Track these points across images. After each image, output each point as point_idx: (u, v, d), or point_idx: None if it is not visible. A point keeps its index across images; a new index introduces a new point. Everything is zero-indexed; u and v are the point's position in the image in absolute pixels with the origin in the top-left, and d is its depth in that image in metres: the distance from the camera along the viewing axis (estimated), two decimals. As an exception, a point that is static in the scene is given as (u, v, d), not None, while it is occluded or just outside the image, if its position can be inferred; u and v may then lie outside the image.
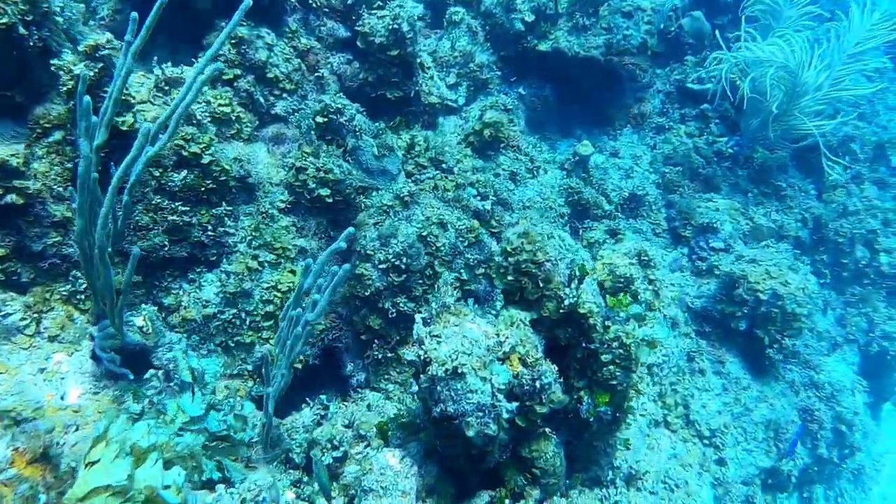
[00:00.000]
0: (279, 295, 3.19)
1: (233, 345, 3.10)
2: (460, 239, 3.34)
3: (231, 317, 3.09)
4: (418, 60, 4.09)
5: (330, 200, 3.37)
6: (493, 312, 3.28)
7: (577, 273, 2.31)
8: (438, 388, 2.13)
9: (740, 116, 5.11)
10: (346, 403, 3.09)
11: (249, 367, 3.17)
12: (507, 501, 2.27)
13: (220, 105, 3.21)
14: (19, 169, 2.63)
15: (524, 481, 2.33)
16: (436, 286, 3.10)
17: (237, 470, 2.04)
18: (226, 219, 3.11)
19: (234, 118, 3.36)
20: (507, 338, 2.23)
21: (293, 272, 3.29)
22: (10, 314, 2.75)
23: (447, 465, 2.40)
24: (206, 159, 2.95)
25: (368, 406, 2.98)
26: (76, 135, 2.50)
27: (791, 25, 4.79)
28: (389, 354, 3.28)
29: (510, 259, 2.38)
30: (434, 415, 2.17)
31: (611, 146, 5.03)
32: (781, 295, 3.83)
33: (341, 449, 2.59)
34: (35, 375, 2.70)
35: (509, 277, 2.41)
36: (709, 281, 4.26)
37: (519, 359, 2.20)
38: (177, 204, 2.93)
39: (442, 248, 3.23)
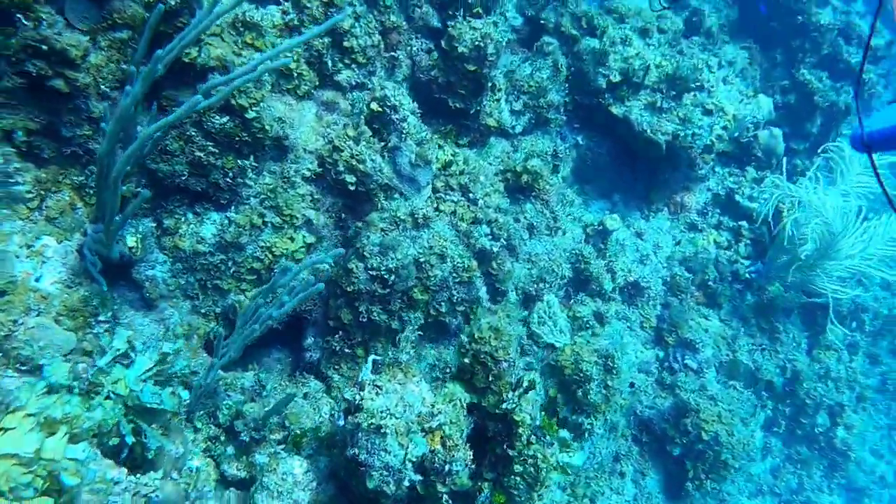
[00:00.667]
0: (270, 257, 3.31)
1: (210, 287, 3.23)
2: (454, 275, 3.42)
3: (218, 261, 3.21)
4: (490, 83, 4.10)
5: (352, 188, 3.44)
6: (445, 362, 3.38)
7: (526, 383, 2.41)
8: (359, 434, 2.26)
9: (772, 246, 5.11)
10: (285, 383, 3.24)
11: (217, 310, 3.31)
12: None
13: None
14: (75, 61, 2.70)
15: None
16: (397, 339, 3.20)
17: (154, 436, 2.19)
18: (248, 171, 3.20)
19: (296, 74, 3.41)
20: (439, 413, 2.35)
21: (292, 239, 3.39)
22: (21, 183, 2.86)
23: (345, 492, 2.55)
24: (250, 114, 3.02)
25: (305, 395, 3.12)
26: (136, 54, 2.56)
27: (853, 191, 4.75)
28: (347, 350, 3.41)
29: (473, 345, 2.48)
30: (346, 453, 2.31)
31: (638, 225, 5.05)
32: (722, 442, 3.94)
33: (261, 433, 2.74)
34: (21, 248, 2.83)
35: (466, 360, 2.51)
36: (666, 397, 4.36)
37: (441, 438, 2.33)
38: (208, 143, 3.01)
39: (432, 279, 3.32)
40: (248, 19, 3.09)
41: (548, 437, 2.54)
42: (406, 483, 2.26)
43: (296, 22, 3.38)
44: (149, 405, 2.10)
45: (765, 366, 5.09)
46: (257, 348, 3.49)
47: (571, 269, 4.37)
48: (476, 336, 2.52)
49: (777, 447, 5.45)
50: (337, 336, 3.44)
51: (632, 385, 4.38)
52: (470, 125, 4.18)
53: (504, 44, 3.96)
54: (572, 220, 4.67)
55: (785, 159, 5.11)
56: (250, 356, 3.42)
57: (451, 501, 2.57)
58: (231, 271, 3.26)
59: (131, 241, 2.94)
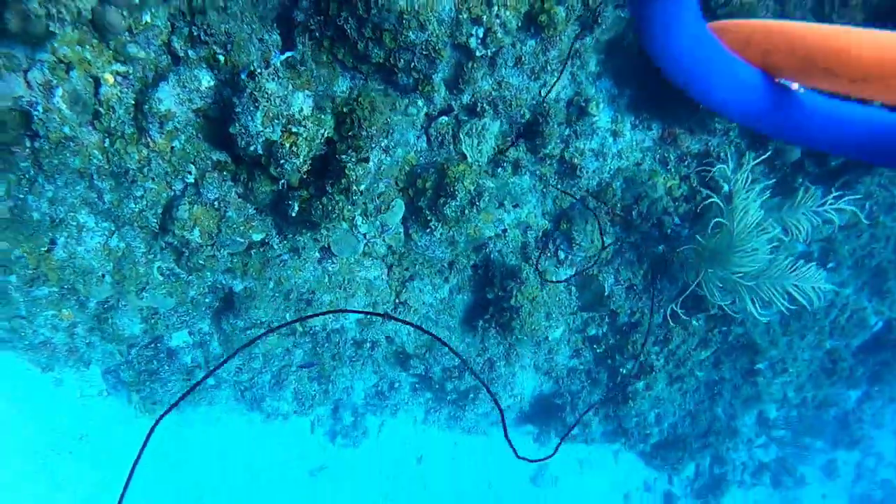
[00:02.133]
0: None
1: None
2: (423, 48, 4.09)
3: None
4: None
5: None
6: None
7: (373, 158, 3.31)
8: (245, 96, 3.20)
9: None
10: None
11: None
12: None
13: None
14: None
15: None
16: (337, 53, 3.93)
17: None
18: None
19: None
20: (302, 124, 3.27)
21: None
22: None
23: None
24: None
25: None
26: None
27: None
28: (317, 34, 4.12)
29: (352, 105, 3.31)
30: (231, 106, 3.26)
31: (622, 128, 5.54)
32: (521, 314, 5.08)
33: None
34: None
35: (344, 109, 3.36)
36: (517, 260, 5.37)
37: (291, 140, 3.28)
38: None
39: (403, 36, 3.98)
40: None
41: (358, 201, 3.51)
42: (251, 148, 3.25)
43: None
44: None
45: (619, 299, 6.02)
46: None
47: (531, 114, 4.98)
48: (357, 99, 3.34)
49: (586, 358, 6.62)
50: (320, 17, 4.12)
51: None
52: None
53: None
54: (570, 78, 5.14)
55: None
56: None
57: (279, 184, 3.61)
58: None
59: None
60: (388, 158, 4.13)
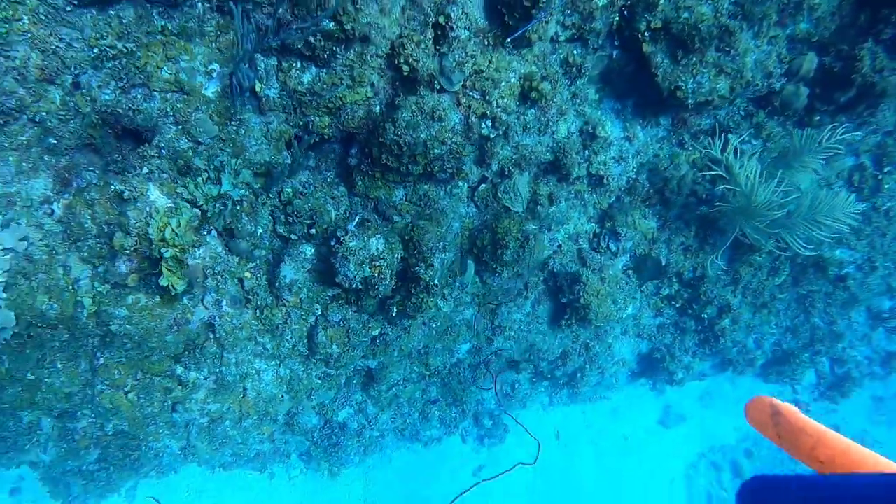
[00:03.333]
0: (340, 103, 5.27)
1: (299, 111, 5.29)
2: (449, 154, 5.36)
3: (307, 98, 5.21)
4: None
5: (406, 74, 5.20)
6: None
7: (436, 264, 4.65)
8: (339, 255, 4.64)
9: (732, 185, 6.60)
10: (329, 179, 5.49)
11: (300, 124, 5.41)
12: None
13: None
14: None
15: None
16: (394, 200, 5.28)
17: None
18: (339, 51, 4.99)
19: (388, -17, 4.91)
20: (381, 257, 4.67)
21: (358, 93, 5.30)
22: (209, 25, 4.80)
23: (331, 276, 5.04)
24: (347, 26, 4.72)
25: (333, 198, 5.42)
26: None
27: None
28: (369, 172, 5.54)
29: (408, 232, 4.65)
30: (332, 263, 4.72)
31: (634, 130, 6.50)
32: (591, 309, 6.22)
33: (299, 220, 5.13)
34: (201, 66, 4.90)
35: (405, 237, 4.72)
36: (576, 265, 6.51)
37: (378, 270, 4.68)
38: (319, 36, 4.79)
39: (431, 153, 5.27)
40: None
41: (436, 291, 4.86)
42: (353, 285, 4.69)
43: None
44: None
45: (679, 262, 7.01)
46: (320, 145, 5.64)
47: (552, 154, 6.10)
48: (412, 228, 4.66)
49: (669, 314, 7.66)
50: (368, 159, 5.54)
51: None
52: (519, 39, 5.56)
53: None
54: (576, 114, 6.20)
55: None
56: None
57: (375, 303, 5.03)
58: (313, 105, 5.27)
59: (258, 86, 4.95)
60: (447, 255, 5.45)
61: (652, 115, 6.51)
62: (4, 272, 4.24)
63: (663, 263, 6.91)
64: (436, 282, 5.09)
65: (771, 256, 7.41)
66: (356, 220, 4.79)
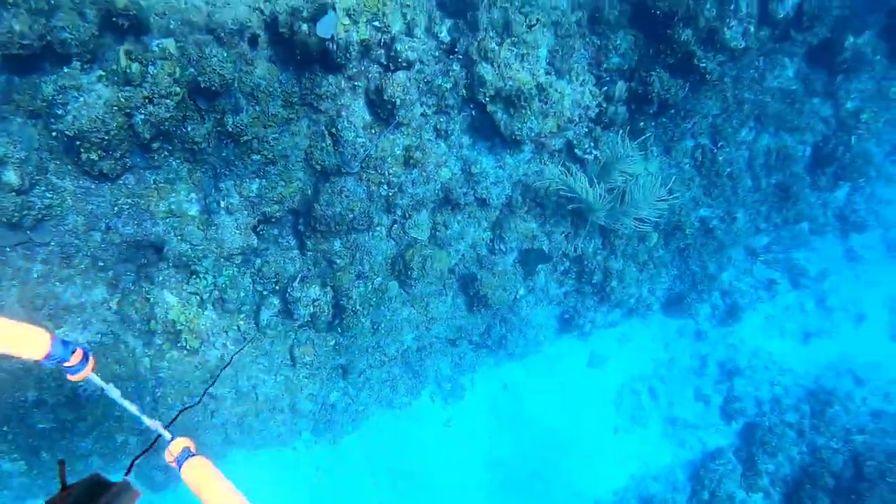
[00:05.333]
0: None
1: None
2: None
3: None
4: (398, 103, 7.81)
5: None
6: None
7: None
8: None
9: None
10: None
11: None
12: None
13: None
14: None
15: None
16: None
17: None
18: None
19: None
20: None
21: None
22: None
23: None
24: (267, 156, 7.28)
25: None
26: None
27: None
28: None
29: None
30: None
31: (505, 160, 8.89)
32: (489, 298, 8.75)
33: None
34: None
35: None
36: (476, 268, 9.00)
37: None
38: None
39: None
40: None
41: (359, 312, 7.44)
42: (306, 320, 7.33)
43: None
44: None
45: (563, 246, 9.45)
46: (277, 223, 8.25)
47: (443, 193, 8.56)
48: (333, 275, 7.26)
49: (570, 283, 10.11)
50: (310, 226, 8.10)
51: None
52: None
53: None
54: (455, 158, 8.62)
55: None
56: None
57: (325, 325, 7.67)
58: (264, 201, 7.83)
59: (223, 201, 7.55)
60: (377, 280, 8.04)
61: (515, 147, 8.87)
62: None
63: (546, 251, 9.36)
64: (357, 307, 7.67)
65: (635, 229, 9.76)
66: (298, 278, 7.39)
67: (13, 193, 6.50)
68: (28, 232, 6.80)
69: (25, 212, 6.66)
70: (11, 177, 6.45)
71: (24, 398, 7.25)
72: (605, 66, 8.77)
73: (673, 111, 9.13)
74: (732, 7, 8.77)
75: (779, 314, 11.71)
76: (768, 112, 10.39)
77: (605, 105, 8.81)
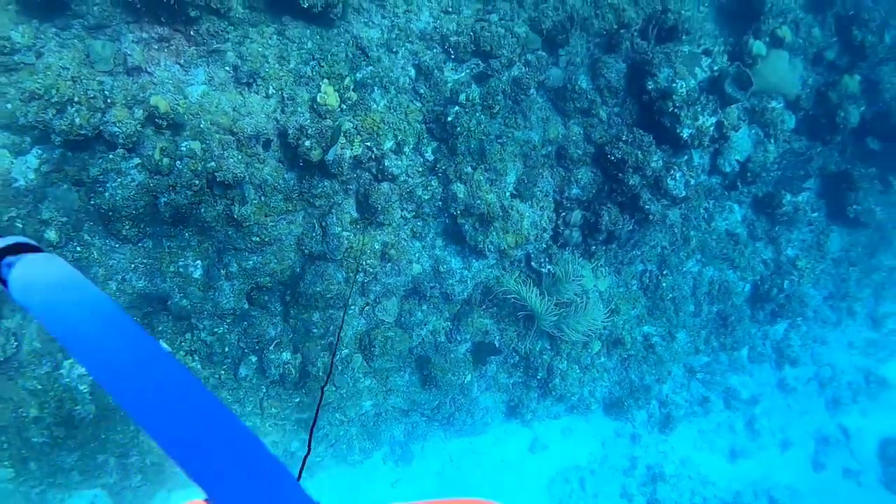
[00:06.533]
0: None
1: None
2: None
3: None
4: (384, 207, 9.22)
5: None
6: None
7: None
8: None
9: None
10: None
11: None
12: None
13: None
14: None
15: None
16: None
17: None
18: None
19: (292, 207, 8.85)
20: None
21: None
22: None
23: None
24: (264, 238, 8.67)
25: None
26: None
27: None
28: None
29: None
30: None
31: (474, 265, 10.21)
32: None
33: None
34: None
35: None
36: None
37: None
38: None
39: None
40: (269, 203, 8.51)
41: (321, 379, 8.63)
42: (276, 378, 8.56)
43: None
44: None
45: (514, 342, 10.63)
46: (267, 291, 9.57)
47: (412, 284, 9.84)
48: (302, 345, 8.48)
49: (518, 375, 11.25)
50: (294, 298, 9.41)
51: None
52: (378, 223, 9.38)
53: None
54: (427, 256, 9.96)
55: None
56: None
57: (293, 384, 8.90)
58: (258, 273, 9.17)
59: (223, 270, 8.92)
60: (343, 352, 9.27)
61: (480, 254, 10.20)
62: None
63: (497, 345, 10.56)
64: (320, 374, 8.90)
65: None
66: (273, 344, 8.64)
67: (51, 248, 7.89)
68: (58, 276, 8.18)
69: (59, 259, 8.04)
70: (52, 235, 7.86)
71: (25, 414, 8.46)
72: (566, 193, 10.15)
73: (619, 241, 10.44)
74: (685, 159, 10.25)
75: (710, 430, 12.68)
76: (713, 249, 11.68)
77: (561, 228, 10.16)
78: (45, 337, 8.50)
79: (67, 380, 8.52)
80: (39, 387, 8.46)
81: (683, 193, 10.03)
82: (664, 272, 11.27)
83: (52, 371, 8.53)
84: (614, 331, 11.24)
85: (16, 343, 8.42)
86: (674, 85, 9.64)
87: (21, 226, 7.95)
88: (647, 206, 9.95)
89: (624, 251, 10.74)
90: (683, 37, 10.19)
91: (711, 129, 10.03)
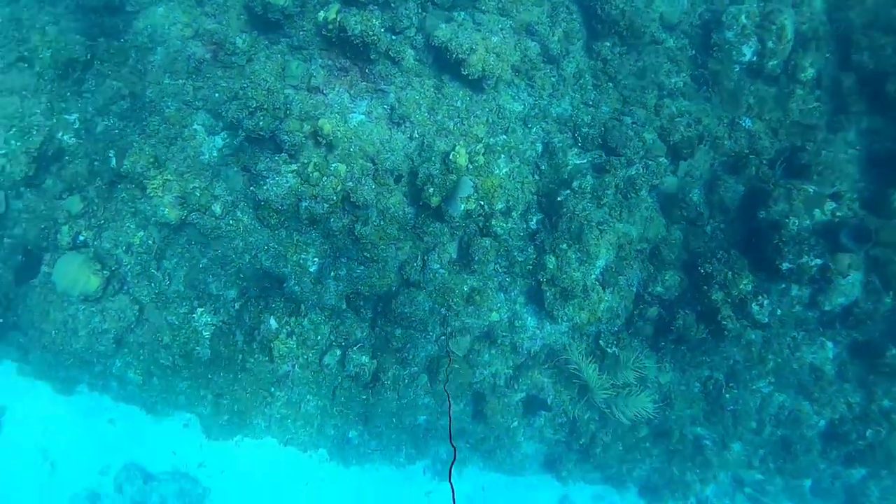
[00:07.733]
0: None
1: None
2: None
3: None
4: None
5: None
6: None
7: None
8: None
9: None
10: None
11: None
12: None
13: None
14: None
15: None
16: None
17: None
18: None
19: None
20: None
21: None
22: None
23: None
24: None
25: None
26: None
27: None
28: None
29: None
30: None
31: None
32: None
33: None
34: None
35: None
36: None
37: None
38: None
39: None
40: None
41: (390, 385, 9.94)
42: (351, 375, 10.01)
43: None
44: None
45: (566, 405, 11.40)
46: (364, 299, 11.02)
47: (487, 328, 10.90)
48: (380, 359, 9.83)
49: (562, 434, 11.97)
50: (384, 312, 10.79)
51: None
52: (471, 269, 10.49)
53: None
54: (507, 310, 10.95)
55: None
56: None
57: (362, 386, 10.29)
58: (359, 282, 10.61)
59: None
60: (412, 370, 10.56)
61: (555, 319, 11.03)
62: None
63: (548, 403, 11.36)
64: (388, 383, 10.19)
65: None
66: (357, 346, 10.06)
67: (213, 219, 9.78)
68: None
69: (216, 231, 9.94)
70: (217, 209, 9.73)
71: (160, 339, 10.48)
72: (649, 289, 10.73)
73: (689, 344, 10.84)
74: (780, 288, 10.47)
75: (746, 546, 12.71)
76: (790, 377, 11.70)
77: (636, 318, 10.76)
78: (189, 283, 10.47)
79: (196, 324, 10.43)
80: (176, 322, 10.44)
81: (766, 320, 10.25)
82: (730, 384, 11.48)
83: (188, 313, 10.48)
84: (665, 423, 11.64)
85: (168, 281, 10.45)
86: (786, 220, 9.86)
87: (198, 195, 9.87)
88: (725, 323, 10.29)
89: (693, 354, 11.11)
90: (815, 177, 10.33)
91: (814, 269, 10.10)
